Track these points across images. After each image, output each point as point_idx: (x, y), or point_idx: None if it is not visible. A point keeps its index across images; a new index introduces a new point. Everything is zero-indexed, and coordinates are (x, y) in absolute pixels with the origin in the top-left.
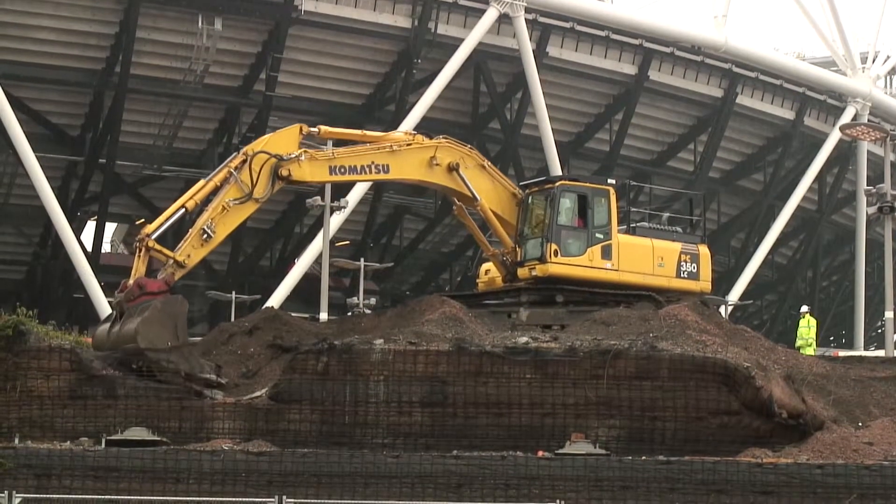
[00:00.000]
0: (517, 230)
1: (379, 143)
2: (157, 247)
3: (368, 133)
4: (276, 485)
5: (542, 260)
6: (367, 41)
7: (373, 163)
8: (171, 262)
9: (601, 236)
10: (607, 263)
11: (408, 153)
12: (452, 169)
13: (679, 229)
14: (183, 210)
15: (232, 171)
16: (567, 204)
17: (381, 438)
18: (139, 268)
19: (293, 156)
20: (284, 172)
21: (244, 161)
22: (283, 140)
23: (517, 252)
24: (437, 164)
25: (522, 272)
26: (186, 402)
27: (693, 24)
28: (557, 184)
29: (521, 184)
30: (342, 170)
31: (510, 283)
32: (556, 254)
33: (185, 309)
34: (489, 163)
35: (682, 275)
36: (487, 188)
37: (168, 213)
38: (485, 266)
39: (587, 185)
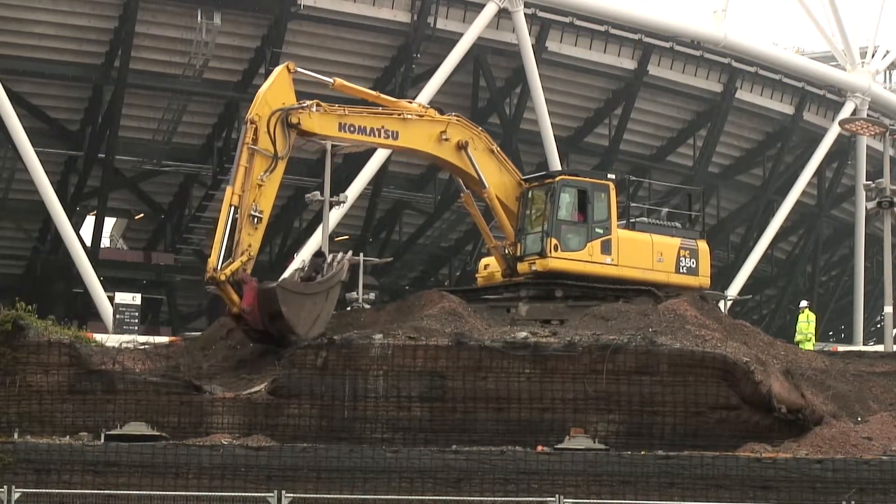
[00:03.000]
0: (517, 224)
1: (391, 109)
2: (228, 272)
3: (383, 96)
4: (275, 479)
5: (542, 255)
6: (367, 36)
7: (383, 127)
8: (243, 263)
9: (601, 231)
10: (607, 258)
11: (419, 123)
12: (461, 147)
13: (678, 224)
14: (228, 224)
15: (251, 146)
16: (567, 199)
17: (381, 433)
18: (233, 297)
19: (304, 105)
20: (294, 120)
21: (255, 130)
22: (277, 91)
23: (518, 246)
24: (446, 140)
25: (522, 267)
26: (186, 396)
27: (692, 19)
28: (558, 178)
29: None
30: (351, 128)
31: (509, 277)
32: (556, 248)
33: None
34: (497, 148)
35: (681, 270)
36: (494, 173)
37: (218, 238)
38: (484, 261)
39: (587, 179)
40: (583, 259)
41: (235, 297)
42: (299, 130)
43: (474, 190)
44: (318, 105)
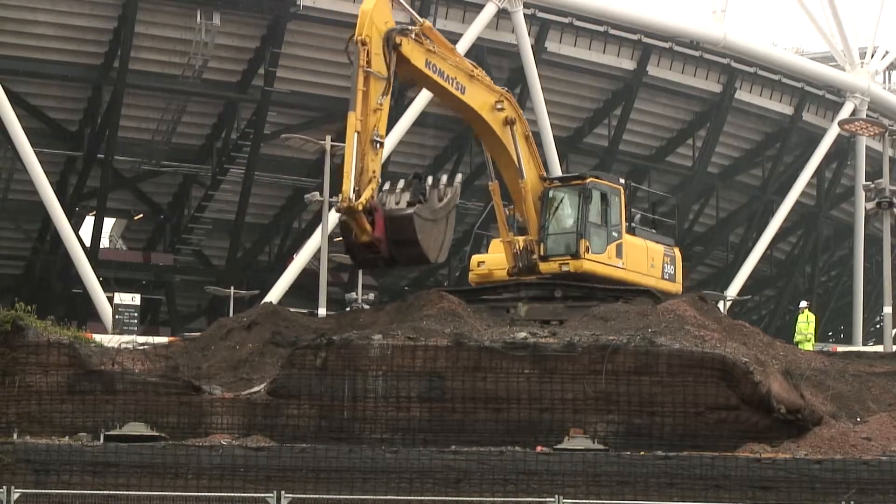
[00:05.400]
0: (540, 223)
1: (461, 63)
2: (364, 200)
3: (457, 50)
4: (274, 480)
5: (575, 256)
6: None
7: (456, 78)
8: (372, 187)
9: (616, 235)
10: (619, 262)
11: (481, 86)
12: (508, 123)
13: (653, 230)
14: (355, 150)
15: (366, 69)
16: (596, 201)
17: (380, 433)
18: (365, 225)
19: (409, 28)
20: (397, 41)
21: (367, 52)
22: (381, 10)
23: (540, 246)
24: (499, 110)
25: (547, 266)
26: (185, 397)
27: (692, 19)
28: (588, 180)
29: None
30: (434, 68)
31: (518, 275)
32: (587, 250)
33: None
34: (532, 138)
35: (665, 276)
36: (529, 162)
37: (349, 167)
38: (477, 258)
39: (607, 183)
40: (604, 262)
41: (368, 226)
42: (399, 54)
43: (504, 179)
44: (416, 34)
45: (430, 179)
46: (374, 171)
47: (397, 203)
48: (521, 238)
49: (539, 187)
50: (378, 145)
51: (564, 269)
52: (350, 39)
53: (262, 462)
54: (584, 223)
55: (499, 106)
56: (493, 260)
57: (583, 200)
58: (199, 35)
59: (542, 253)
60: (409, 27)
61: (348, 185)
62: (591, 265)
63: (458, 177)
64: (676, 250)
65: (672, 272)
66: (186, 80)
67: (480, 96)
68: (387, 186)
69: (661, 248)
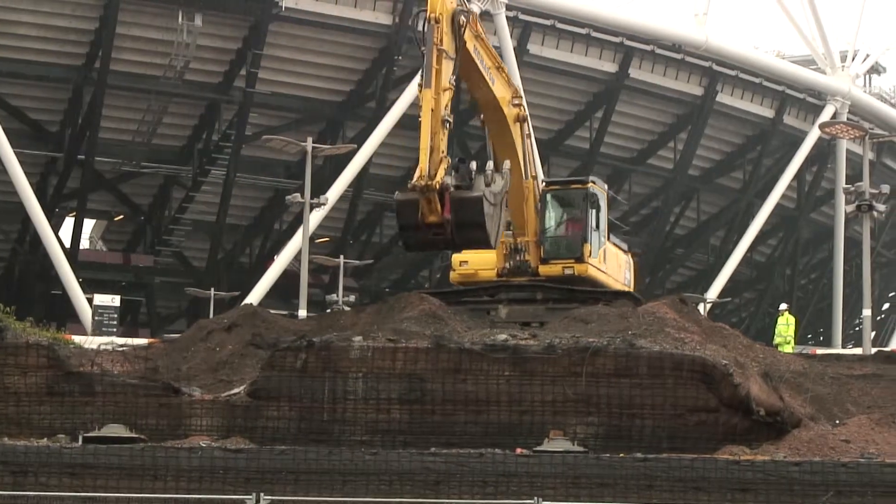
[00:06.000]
0: (539, 225)
1: (494, 54)
2: (440, 179)
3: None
4: (253, 482)
5: (580, 260)
6: (348, 38)
7: (490, 68)
8: (444, 167)
9: (604, 239)
10: (604, 266)
11: (505, 78)
12: (520, 120)
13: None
14: (430, 129)
15: (440, 47)
16: (595, 205)
17: (360, 435)
18: (437, 206)
19: (469, 9)
20: (462, 20)
21: (440, 31)
22: None
23: (540, 248)
24: (516, 105)
25: (548, 269)
26: (164, 399)
27: (673, 22)
28: (590, 185)
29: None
30: (478, 54)
31: (509, 276)
32: (590, 254)
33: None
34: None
35: (626, 281)
36: (531, 162)
37: (426, 144)
38: (459, 257)
39: (601, 188)
40: (597, 266)
41: (439, 206)
42: (460, 34)
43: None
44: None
45: (473, 164)
46: (443, 151)
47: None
48: (517, 238)
49: (536, 191)
50: (448, 125)
51: (568, 272)
52: (415, 16)
53: (242, 464)
54: (587, 227)
55: (515, 101)
56: (478, 259)
57: (588, 204)
58: (180, 36)
59: (542, 256)
60: (469, 9)
61: (426, 163)
62: (592, 269)
63: (507, 163)
64: (630, 256)
65: (629, 278)
66: (168, 81)
67: (503, 89)
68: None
69: (623, 254)
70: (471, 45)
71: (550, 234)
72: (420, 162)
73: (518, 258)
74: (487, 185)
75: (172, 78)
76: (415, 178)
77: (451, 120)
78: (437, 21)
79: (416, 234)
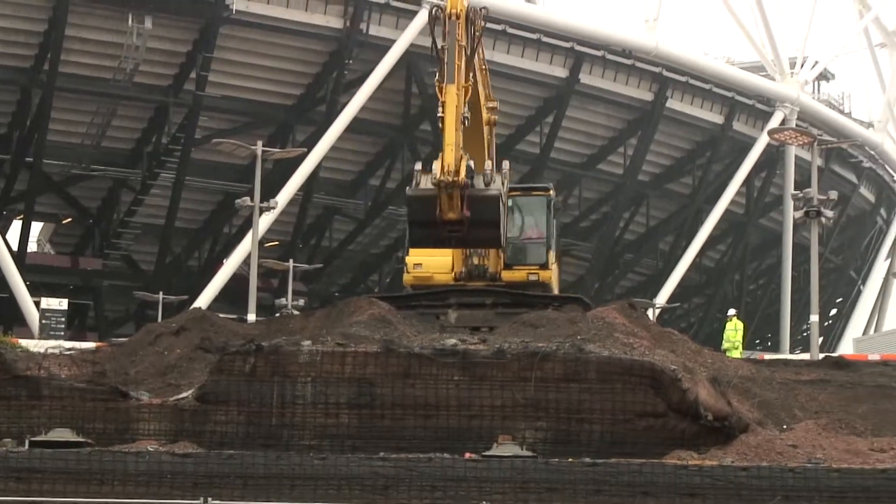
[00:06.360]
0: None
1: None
2: (463, 176)
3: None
4: (201, 486)
5: (544, 266)
6: (299, 41)
7: (479, 69)
8: (464, 164)
9: (555, 245)
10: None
11: (487, 81)
12: (490, 124)
13: None
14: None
15: (461, 43)
16: (554, 212)
17: (308, 440)
18: (458, 202)
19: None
20: (473, 15)
21: (459, 27)
22: None
23: (500, 254)
24: (491, 109)
25: (512, 275)
26: (112, 403)
27: (624, 28)
28: (551, 192)
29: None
30: (475, 54)
31: (467, 280)
32: (552, 260)
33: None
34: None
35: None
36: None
37: (452, 139)
38: (414, 259)
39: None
40: (554, 272)
41: (460, 202)
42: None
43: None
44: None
45: (471, 163)
46: (460, 147)
47: (422, 185)
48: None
49: None
50: (466, 121)
51: (532, 278)
52: (432, 12)
53: (189, 468)
54: (550, 234)
55: (490, 104)
56: (434, 263)
57: (550, 211)
58: (130, 38)
59: (505, 261)
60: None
61: (451, 159)
62: (553, 275)
63: (506, 164)
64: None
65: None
66: (117, 84)
67: (485, 89)
68: (418, 167)
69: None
70: (470, 46)
71: (514, 240)
72: (445, 157)
73: (477, 262)
74: (486, 183)
75: (122, 80)
76: (438, 174)
77: (468, 116)
78: (457, 17)
79: (430, 230)
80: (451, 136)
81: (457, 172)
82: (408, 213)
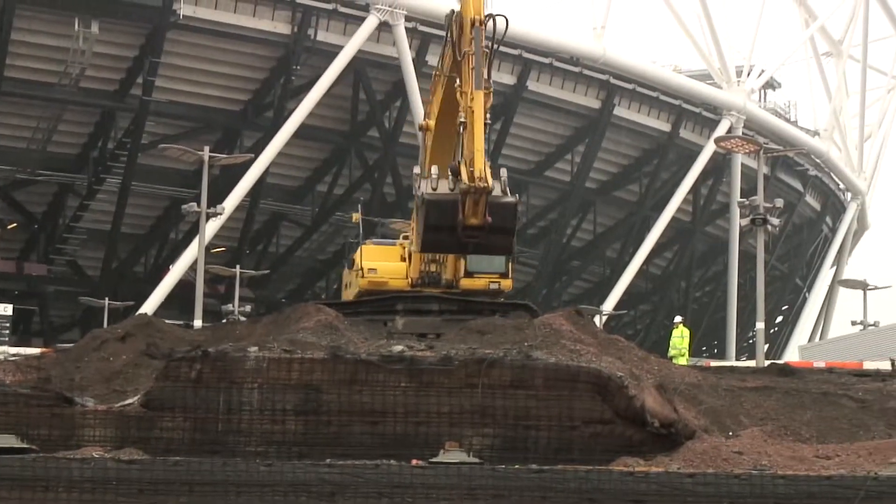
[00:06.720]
0: None
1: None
2: (490, 183)
3: None
4: (147, 493)
5: (505, 275)
6: (247, 47)
7: (466, 71)
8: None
9: None
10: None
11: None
12: (461, 124)
13: None
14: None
15: (485, 49)
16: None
17: (255, 447)
18: (484, 208)
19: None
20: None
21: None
22: None
23: (459, 261)
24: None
25: (472, 283)
26: (57, 409)
27: (572, 36)
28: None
29: None
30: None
31: (425, 287)
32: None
33: None
34: None
35: None
36: None
37: (483, 145)
38: (368, 263)
39: None
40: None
41: (485, 208)
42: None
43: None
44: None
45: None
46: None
47: (440, 189)
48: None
49: None
50: (488, 126)
51: (493, 286)
52: (455, 19)
53: (135, 475)
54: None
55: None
56: (388, 268)
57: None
58: (76, 43)
59: (466, 269)
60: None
61: (482, 164)
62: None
63: (504, 171)
64: None
65: None
66: (63, 88)
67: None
68: (416, 170)
69: None
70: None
71: None
72: (476, 163)
73: (434, 269)
74: (503, 190)
75: (68, 85)
76: (467, 179)
77: (489, 122)
78: (481, 23)
79: (448, 235)
80: (481, 141)
81: (486, 178)
82: (425, 217)
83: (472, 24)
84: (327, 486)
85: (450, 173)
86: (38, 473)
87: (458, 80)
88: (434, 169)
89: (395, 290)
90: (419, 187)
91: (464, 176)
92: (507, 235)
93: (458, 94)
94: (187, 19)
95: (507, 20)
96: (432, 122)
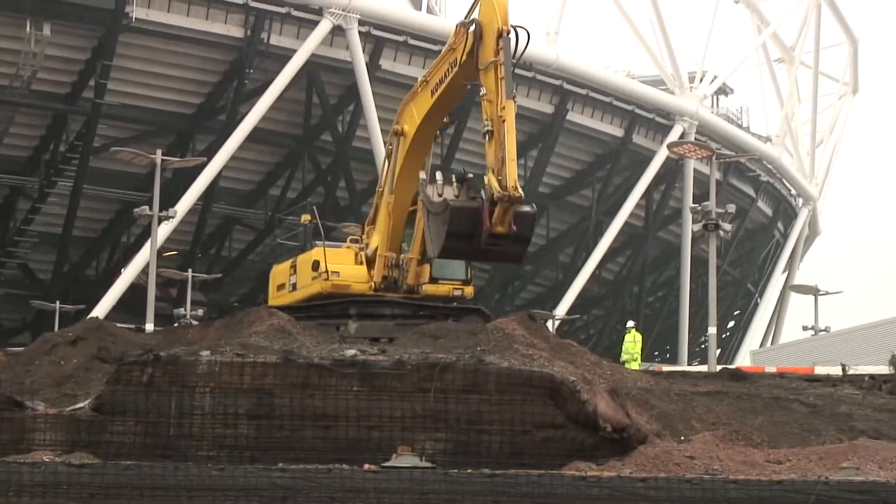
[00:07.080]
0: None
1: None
2: (521, 192)
3: None
4: (98, 497)
5: (467, 282)
6: (199, 50)
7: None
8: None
9: None
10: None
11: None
12: (398, 134)
13: None
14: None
15: (513, 60)
16: None
17: (206, 451)
18: (510, 217)
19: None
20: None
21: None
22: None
23: (426, 268)
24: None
25: (436, 289)
26: (7, 413)
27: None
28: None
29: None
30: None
31: (388, 291)
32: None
33: None
34: None
35: None
36: None
37: (512, 155)
38: (331, 266)
39: None
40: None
41: (511, 217)
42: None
43: (405, 193)
44: None
45: (470, 176)
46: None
47: (455, 196)
48: (404, 255)
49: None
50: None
51: (457, 293)
52: (473, 30)
53: (86, 479)
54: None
55: (399, 128)
56: (351, 272)
57: None
58: (28, 45)
59: (431, 275)
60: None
61: (515, 173)
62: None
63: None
64: None
65: None
66: (15, 91)
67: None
68: (423, 175)
69: None
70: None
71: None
72: (510, 172)
73: (396, 274)
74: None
75: (19, 87)
76: (497, 188)
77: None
78: (508, 33)
79: (469, 242)
80: (514, 151)
81: (518, 188)
82: (449, 223)
83: (500, 35)
84: (279, 491)
85: (454, 180)
86: None
87: (482, 90)
88: (422, 174)
89: (356, 294)
90: (427, 193)
91: (493, 184)
92: (524, 244)
93: (483, 103)
94: (140, 22)
95: (528, 33)
96: (409, 128)
